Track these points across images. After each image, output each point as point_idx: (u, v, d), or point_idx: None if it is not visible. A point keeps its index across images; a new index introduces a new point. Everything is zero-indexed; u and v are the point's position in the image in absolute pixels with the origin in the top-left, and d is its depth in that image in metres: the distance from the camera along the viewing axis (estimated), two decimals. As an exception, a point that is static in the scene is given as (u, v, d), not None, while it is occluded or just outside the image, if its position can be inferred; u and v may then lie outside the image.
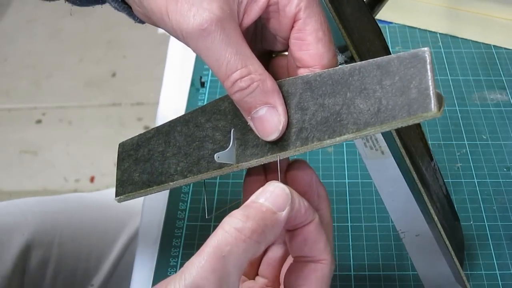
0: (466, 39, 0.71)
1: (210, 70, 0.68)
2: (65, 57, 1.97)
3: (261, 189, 0.31)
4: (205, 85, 0.66)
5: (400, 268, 0.50)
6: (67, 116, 1.80)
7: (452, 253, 0.40)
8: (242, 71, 0.32)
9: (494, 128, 0.61)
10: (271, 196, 0.30)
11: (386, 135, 0.36)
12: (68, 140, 1.72)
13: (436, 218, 0.39)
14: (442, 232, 0.40)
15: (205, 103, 0.65)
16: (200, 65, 0.69)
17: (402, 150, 0.37)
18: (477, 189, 0.55)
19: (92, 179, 1.62)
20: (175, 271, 0.50)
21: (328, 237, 0.34)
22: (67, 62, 1.96)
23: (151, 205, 0.56)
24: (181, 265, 0.50)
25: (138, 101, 1.82)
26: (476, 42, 0.70)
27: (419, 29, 0.73)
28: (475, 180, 0.56)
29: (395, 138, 0.37)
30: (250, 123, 0.33)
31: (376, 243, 0.52)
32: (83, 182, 1.62)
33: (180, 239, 0.53)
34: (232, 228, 0.29)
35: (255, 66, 0.32)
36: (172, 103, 0.65)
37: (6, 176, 1.65)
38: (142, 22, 0.39)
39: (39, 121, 1.79)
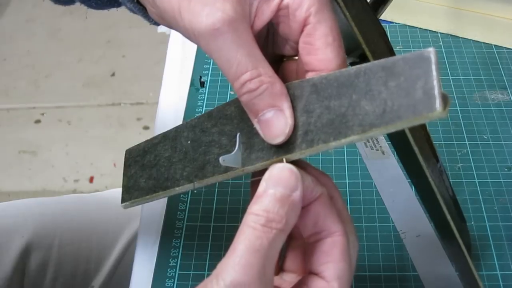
0: (467, 39, 0.71)
1: (210, 70, 0.68)
2: (64, 56, 1.97)
3: (267, 174, 0.31)
4: (205, 85, 0.66)
5: (400, 269, 0.50)
6: (66, 116, 1.80)
7: (465, 252, 0.40)
8: (252, 73, 0.32)
9: (495, 128, 0.60)
10: (281, 179, 0.31)
11: (399, 136, 0.36)
12: (67, 140, 1.72)
13: (449, 217, 0.38)
14: (456, 234, 0.39)
15: (204, 103, 0.65)
16: (200, 65, 0.69)
17: (416, 148, 0.37)
18: (478, 189, 0.55)
19: (91, 179, 1.61)
20: (175, 272, 0.50)
21: (348, 220, 0.34)
22: (66, 61, 1.96)
23: (151, 206, 0.55)
24: (181, 265, 0.51)
25: (138, 101, 1.82)
26: (477, 41, 0.70)
27: (420, 28, 0.72)
28: (476, 181, 0.56)
29: (409, 139, 0.37)
30: (256, 125, 0.33)
31: (377, 244, 0.51)
32: (82, 182, 1.61)
33: (179, 239, 0.52)
34: (257, 225, 0.30)
35: (266, 69, 0.32)
36: (171, 103, 0.65)
37: (5, 176, 1.64)
38: (157, 24, 0.38)
39: (38, 121, 1.79)
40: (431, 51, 0.28)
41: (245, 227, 0.30)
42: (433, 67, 0.27)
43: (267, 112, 0.32)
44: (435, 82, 0.27)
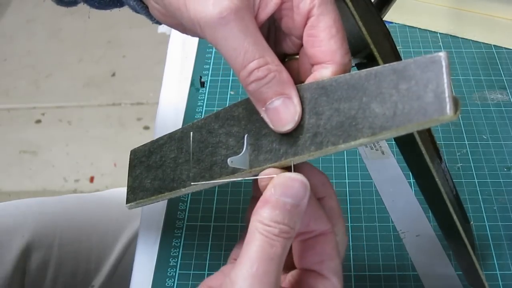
0: (466, 39, 0.71)
1: (210, 70, 0.68)
2: (65, 57, 1.97)
3: (276, 180, 0.32)
4: (205, 85, 0.66)
5: (400, 268, 0.50)
6: (67, 116, 1.80)
7: (471, 252, 0.40)
8: (259, 61, 0.32)
9: (494, 128, 0.61)
10: (291, 191, 0.31)
11: (405, 137, 0.36)
12: (67, 140, 1.72)
13: (455, 217, 0.38)
14: (462, 234, 0.39)
15: (205, 103, 0.65)
16: (200, 65, 0.69)
17: (422, 148, 0.37)
18: (478, 189, 0.55)
19: (91, 179, 1.61)
20: (175, 271, 0.50)
21: (339, 218, 0.35)
22: (66, 62, 1.96)
23: (151, 206, 0.55)
24: (181, 265, 0.51)
25: (138, 101, 1.82)
26: (476, 42, 0.70)
27: (419, 28, 0.72)
28: (476, 180, 0.56)
29: (416, 139, 0.37)
30: (264, 115, 0.33)
31: (376, 243, 0.52)
32: (83, 182, 1.62)
33: (180, 239, 0.53)
34: (270, 234, 0.31)
35: (272, 57, 0.33)
36: (172, 103, 0.65)
37: (6, 176, 1.65)
38: (158, 23, 0.39)
39: (38, 121, 1.79)
40: (442, 55, 0.28)
41: (257, 234, 0.31)
42: (444, 70, 0.28)
43: (275, 100, 0.33)
44: (445, 86, 0.27)
